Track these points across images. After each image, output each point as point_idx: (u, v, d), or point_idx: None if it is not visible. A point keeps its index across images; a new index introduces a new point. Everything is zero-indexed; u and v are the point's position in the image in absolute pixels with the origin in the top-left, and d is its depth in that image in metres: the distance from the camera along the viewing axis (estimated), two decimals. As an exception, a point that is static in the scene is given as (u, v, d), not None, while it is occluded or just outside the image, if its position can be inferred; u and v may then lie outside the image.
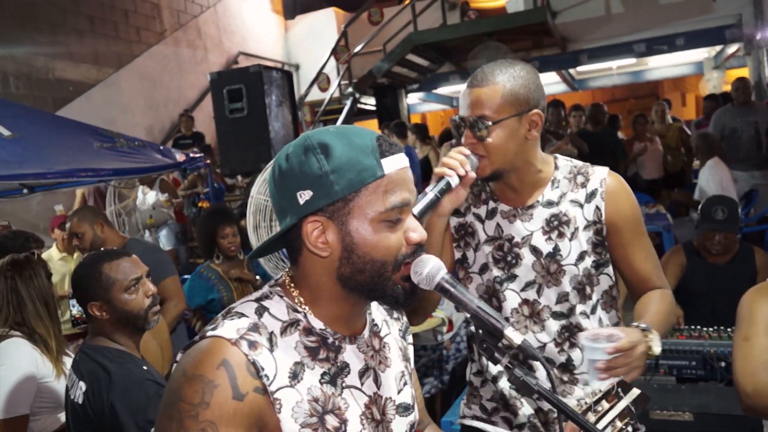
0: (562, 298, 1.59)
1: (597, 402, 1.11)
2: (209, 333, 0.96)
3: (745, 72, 9.20)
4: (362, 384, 1.04)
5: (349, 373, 1.03)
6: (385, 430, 1.06)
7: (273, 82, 4.31)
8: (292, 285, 1.04)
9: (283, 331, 0.99)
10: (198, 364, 0.93)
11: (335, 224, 0.97)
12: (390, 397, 1.09)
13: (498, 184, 1.63)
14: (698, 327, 2.80)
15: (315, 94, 9.34)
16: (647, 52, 9.41)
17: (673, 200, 6.05)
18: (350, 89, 9.18)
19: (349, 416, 1.00)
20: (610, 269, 1.63)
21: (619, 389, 1.14)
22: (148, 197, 5.53)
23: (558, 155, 1.68)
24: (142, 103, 8.44)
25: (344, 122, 8.88)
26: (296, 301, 1.03)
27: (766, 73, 8.58)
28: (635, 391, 1.15)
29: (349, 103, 9.02)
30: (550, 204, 1.61)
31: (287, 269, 1.08)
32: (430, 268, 0.99)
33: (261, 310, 1.00)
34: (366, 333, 1.09)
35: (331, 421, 0.98)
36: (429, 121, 15.19)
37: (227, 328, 0.96)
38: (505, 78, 1.51)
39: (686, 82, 15.17)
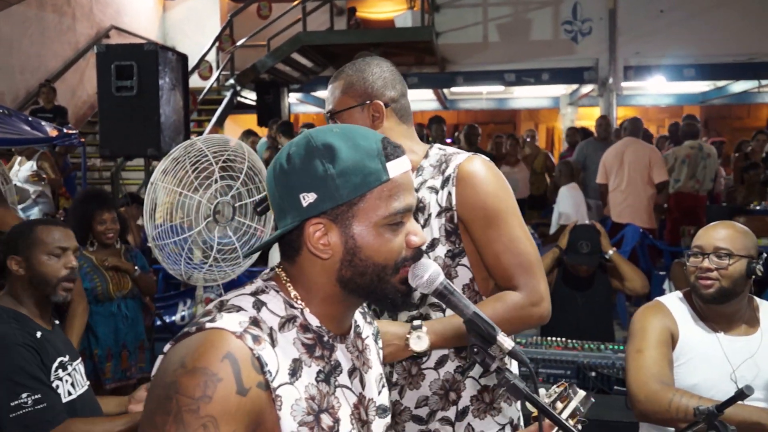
0: None
1: (553, 402, 1.21)
2: (208, 325, 0.91)
3: (596, 111, 10.23)
4: (351, 384, 1.05)
5: (341, 372, 1.03)
6: (367, 430, 1.07)
7: (168, 63, 4.07)
8: (288, 280, 1.02)
9: (281, 327, 0.97)
10: (199, 356, 0.88)
11: (338, 227, 0.96)
12: (372, 398, 1.10)
13: None
14: (572, 340, 3.07)
15: (192, 81, 8.93)
16: (516, 82, 10.14)
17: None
18: (231, 81, 8.91)
19: (341, 415, 1.00)
20: (467, 260, 1.56)
21: (570, 391, 1.26)
22: (22, 170, 4.95)
23: (436, 144, 1.68)
24: (-7, 66, 7.56)
25: (222, 114, 8.59)
26: (292, 296, 1.01)
27: (614, 113, 9.62)
28: (581, 393, 1.27)
29: (229, 94, 8.74)
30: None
31: (278, 264, 1.05)
32: (431, 273, 1.02)
33: (258, 305, 0.97)
34: (352, 333, 1.09)
35: (326, 420, 0.97)
36: (301, 123, 15.12)
37: (228, 320, 0.92)
38: (348, 72, 1.59)
39: (540, 114, 16.48)
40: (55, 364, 1.91)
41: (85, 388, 2.04)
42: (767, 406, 1.80)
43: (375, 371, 1.13)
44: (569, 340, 3.07)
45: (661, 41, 9.30)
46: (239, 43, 9.12)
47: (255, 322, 0.94)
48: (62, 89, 8.12)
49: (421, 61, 10.12)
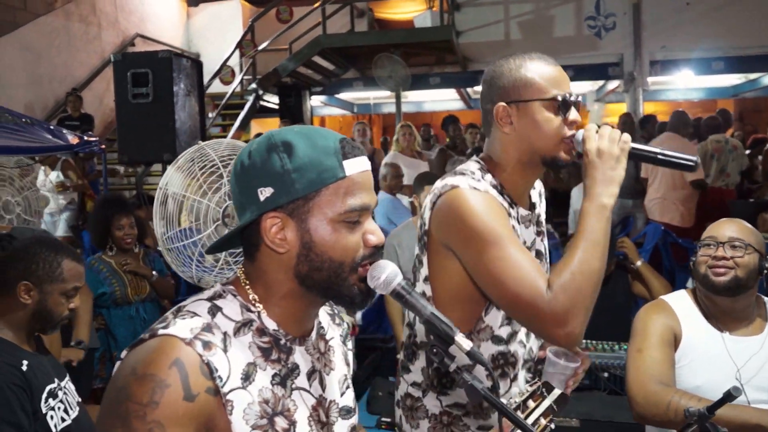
0: None
1: (525, 401, 1.19)
2: (161, 332, 0.93)
3: (622, 107, 10.04)
4: (310, 386, 1.05)
5: (298, 374, 1.04)
6: (329, 431, 1.07)
7: (182, 70, 4.14)
8: (247, 282, 1.03)
9: (237, 332, 0.98)
10: (149, 362, 0.91)
11: (294, 222, 0.98)
12: (333, 400, 1.10)
13: (520, 180, 1.54)
14: (586, 340, 3.02)
15: (215, 87, 9.06)
16: (539, 79, 9.98)
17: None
18: (253, 85, 9.00)
19: (297, 418, 1.01)
20: None
21: (544, 389, 1.23)
22: (50, 178, 5.13)
23: None
24: (23, 77, 7.77)
25: (245, 119, 8.70)
26: (250, 298, 1.02)
27: (641, 108, 9.43)
28: (557, 392, 1.24)
29: (251, 99, 8.84)
30: (534, 206, 1.63)
31: (240, 266, 1.07)
32: (388, 274, 1.01)
33: (214, 310, 0.99)
34: (314, 335, 1.10)
35: (281, 422, 0.98)
36: (328, 125, 15.22)
37: (180, 327, 0.94)
38: None
39: (568, 110, 16.24)
40: (44, 395, 1.79)
41: (78, 409, 1.92)
42: (772, 408, 1.75)
43: (338, 372, 1.14)
44: (583, 340, 3.03)
45: (688, 34, 9.08)
46: (261, 47, 9.20)
47: (208, 327, 0.95)
48: (89, 97, 8.32)
49: (442, 61, 10.08)
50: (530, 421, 1.17)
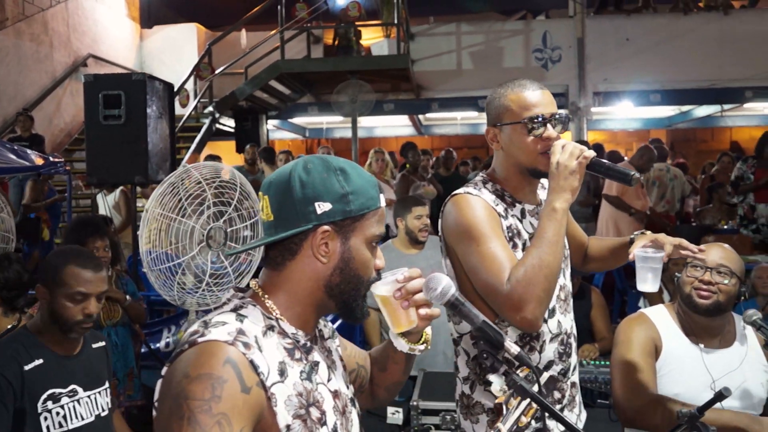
0: (570, 280, 1.82)
1: (508, 399, 1.29)
2: (200, 340, 1.03)
3: (568, 135, 10.52)
4: (329, 380, 1.17)
5: (318, 370, 1.15)
6: (347, 421, 1.19)
7: (155, 92, 4.14)
8: (266, 295, 1.14)
9: (264, 334, 1.09)
10: (201, 364, 0.99)
11: (340, 237, 1.12)
12: (345, 392, 1.22)
13: (519, 185, 1.74)
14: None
15: (170, 109, 8.97)
16: (489, 108, 10.33)
17: None
18: (210, 108, 8.97)
19: (326, 408, 1.12)
20: None
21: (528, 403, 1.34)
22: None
23: None
24: (-30, 95, 7.52)
25: (201, 141, 8.64)
26: (268, 307, 1.13)
27: (584, 137, 9.91)
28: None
29: (207, 122, 8.80)
30: (541, 203, 1.80)
31: (256, 279, 1.18)
32: (444, 286, 1.13)
33: (240, 318, 1.09)
34: (318, 338, 1.23)
35: (315, 412, 1.10)
36: (278, 149, 15.18)
37: (217, 333, 1.03)
38: None
39: (513, 138, 16.73)
40: (44, 396, 1.90)
41: (89, 419, 2.00)
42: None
43: (340, 368, 1.26)
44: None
45: (628, 68, 9.65)
46: (218, 71, 9.20)
47: (241, 332, 1.05)
48: (39, 117, 8.09)
49: (396, 88, 10.32)
50: (516, 414, 1.26)
